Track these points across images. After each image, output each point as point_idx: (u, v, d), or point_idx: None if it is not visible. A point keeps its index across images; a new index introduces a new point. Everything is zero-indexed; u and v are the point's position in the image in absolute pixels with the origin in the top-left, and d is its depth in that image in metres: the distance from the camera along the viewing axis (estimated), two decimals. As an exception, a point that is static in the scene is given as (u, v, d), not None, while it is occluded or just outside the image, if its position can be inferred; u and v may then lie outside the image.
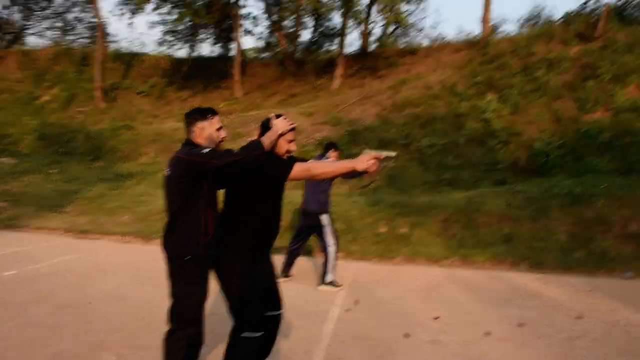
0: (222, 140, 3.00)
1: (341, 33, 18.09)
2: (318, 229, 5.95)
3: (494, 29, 16.54)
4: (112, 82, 20.18)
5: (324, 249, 5.95)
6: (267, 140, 2.78)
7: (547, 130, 11.36)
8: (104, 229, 9.28)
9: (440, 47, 17.75)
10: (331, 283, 5.96)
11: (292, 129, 2.94)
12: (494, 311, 5.45)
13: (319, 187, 5.88)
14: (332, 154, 6.12)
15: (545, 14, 17.37)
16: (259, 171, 2.72)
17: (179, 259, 2.81)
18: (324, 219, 5.90)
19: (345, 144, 12.62)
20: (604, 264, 7.58)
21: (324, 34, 22.47)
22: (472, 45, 16.26)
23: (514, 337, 4.69)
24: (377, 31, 20.85)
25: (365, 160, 2.72)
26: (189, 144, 2.90)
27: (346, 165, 2.75)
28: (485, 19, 15.73)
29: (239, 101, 17.75)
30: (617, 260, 7.64)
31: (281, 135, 2.86)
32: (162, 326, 3.08)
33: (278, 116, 2.91)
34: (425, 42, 19.77)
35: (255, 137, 2.91)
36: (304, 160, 3.06)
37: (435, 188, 10.39)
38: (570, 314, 5.40)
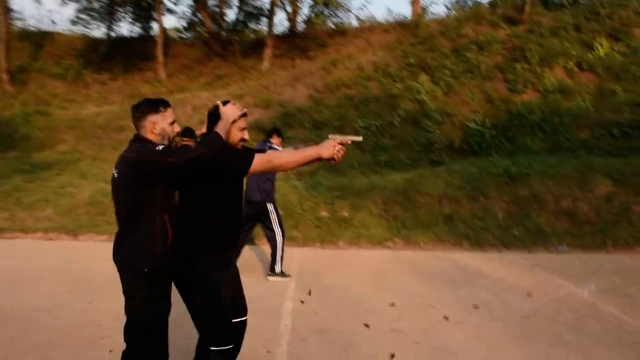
0: (176, 135, 2.61)
1: (269, 12, 17.52)
2: (264, 218, 5.55)
3: (424, 10, 16.63)
4: (19, 64, 18.37)
5: (271, 239, 5.57)
6: (222, 131, 2.43)
7: (480, 110, 11.55)
8: (24, 226, 8.28)
9: (369, 28, 17.66)
10: (281, 273, 5.59)
11: (244, 115, 2.59)
12: (446, 293, 5.34)
13: (263, 176, 5.50)
14: (275, 139, 5.77)
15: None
16: (216, 166, 2.38)
17: (133, 271, 2.42)
18: (270, 207, 5.51)
19: (278, 126, 12.21)
20: (539, 239, 7.88)
21: (250, 14, 21.73)
22: (402, 26, 16.29)
23: (470, 320, 4.57)
24: (305, 11, 20.39)
25: (331, 147, 2.50)
26: (139, 140, 2.50)
27: (311, 153, 2.49)
28: (415, 0, 15.77)
29: (163, 84, 16.77)
30: (551, 236, 7.97)
31: (233, 122, 2.51)
32: (110, 340, 2.57)
33: (225, 103, 2.57)
34: (354, 23, 19.56)
35: (203, 129, 2.63)
36: (258, 150, 2.71)
37: (372, 169, 10.25)
38: (519, 293, 5.41)
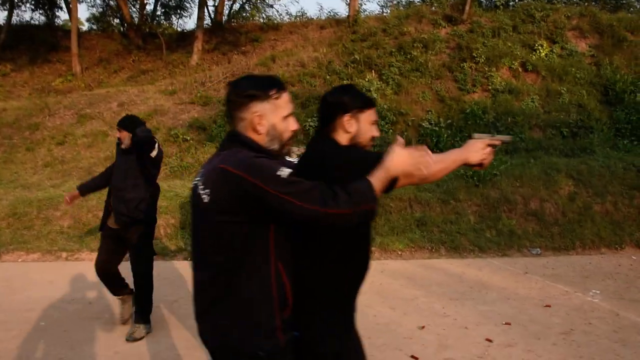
0: (293, 136, 1.78)
1: (200, 3, 16.36)
2: None
3: (359, 7, 16.36)
4: None
5: None
6: (381, 183, 1.67)
7: (432, 109, 11.46)
8: None
9: (303, 23, 17.09)
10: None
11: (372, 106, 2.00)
12: (465, 309, 5.00)
13: None
14: None
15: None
16: None
17: (242, 357, 1.58)
18: None
19: (220, 125, 11.30)
20: (513, 242, 7.85)
21: (168, 6, 20.36)
22: (338, 23, 15.89)
23: (514, 340, 4.21)
24: (231, 4, 19.37)
25: (480, 150, 1.96)
26: (239, 141, 1.67)
27: (456, 158, 1.91)
28: (353, -4, 15.46)
29: (78, 77, 15.05)
30: (523, 238, 7.96)
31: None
32: None
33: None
34: (285, 18, 18.90)
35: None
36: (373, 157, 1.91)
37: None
38: (536, 304, 5.22)
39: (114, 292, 4.42)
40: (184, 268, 6.50)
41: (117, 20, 20.02)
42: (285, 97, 1.72)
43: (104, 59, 16.52)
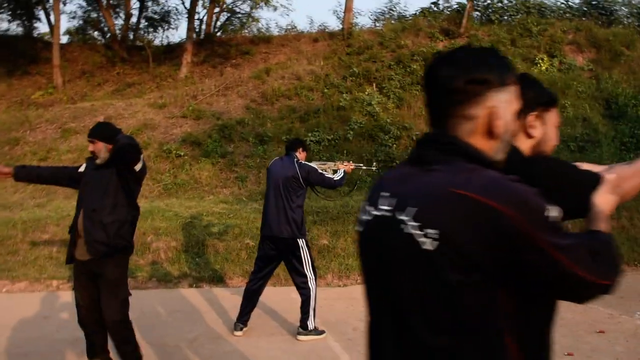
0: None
1: (190, 14, 15.83)
2: (291, 258, 4.30)
3: (353, 20, 16.11)
4: None
5: (301, 286, 4.33)
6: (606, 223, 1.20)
7: None
8: None
9: (295, 36, 16.71)
10: (315, 330, 4.34)
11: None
12: None
13: (291, 201, 4.26)
14: (301, 154, 4.63)
15: (400, 8, 17.38)
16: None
17: None
18: (301, 243, 4.30)
19: (216, 140, 10.84)
20: None
21: (153, 18, 19.76)
22: (331, 36, 15.56)
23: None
24: (215, 16, 18.90)
25: None
26: (462, 152, 1.13)
27: None
28: (347, 8, 15.16)
29: (60, 90, 14.32)
30: None
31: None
32: None
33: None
34: (275, 31, 18.50)
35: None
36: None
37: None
38: (587, 330, 4.86)
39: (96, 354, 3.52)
40: (193, 297, 5.95)
41: (97, 32, 19.30)
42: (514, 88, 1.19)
43: (86, 72, 15.82)
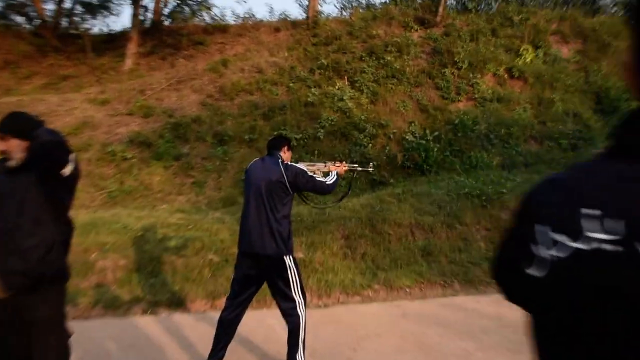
0: None
1: (134, 0, 15.04)
2: (277, 280, 3.84)
3: (317, 8, 15.70)
4: None
5: (289, 313, 3.89)
6: None
7: (415, 120, 10.97)
8: None
9: (254, 25, 16.17)
10: (305, 366, 3.85)
11: None
12: None
13: (276, 210, 3.87)
14: (285, 153, 4.18)
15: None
16: None
17: None
18: (288, 262, 3.87)
19: (169, 140, 10.23)
20: None
21: (89, 4, 18.80)
22: (294, 25, 15.13)
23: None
24: (163, 2, 18.09)
25: None
26: None
27: None
28: (312, -4, 14.76)
29: (-22, 83, 13.34)
30: None
31: None
32: None
33: None
34: (231, 20, 17.87)
35: None
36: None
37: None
38: None
39: None
40: (149, 326, 5.35)
41: (23, 18, 18.11)
42: None
43: (11, 62, 14.80)
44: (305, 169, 4.00)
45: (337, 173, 4.27)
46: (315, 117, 10.95)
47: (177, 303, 6.04)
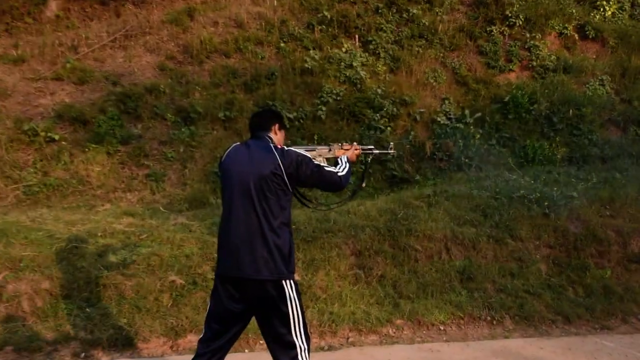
0: None
1: None
2: (272, 315, 3.75)
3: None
4: None
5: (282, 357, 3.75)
6: None
7: (450, 97, 11.06)
8: None
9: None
10: None
11: None
12: None
13: (271, 215, 3.74)
14: (277, 134, 4.13)
15: None
16: None
17: None
18: (288, 289, 3.73)
19: (113, 117, 10.21)
20: (612, 306, 7.59)
21: None
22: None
23: None
24: None
25: None
26: None
27: None
28: None
29: None
30: (627, 299, 7.75)
31: None
32: None
33: None
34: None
35: None
36: None
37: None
38: None
39: None
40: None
41: None
42: None
43: None
44: (309, 155, 3.85)
45: (347, 159, 4.16)
46: (314, 89, 11.00)
47: (124, 343, 6.00)
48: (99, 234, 7.23)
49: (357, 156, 4.43)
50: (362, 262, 7.48)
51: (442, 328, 6.82)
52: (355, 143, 4.46)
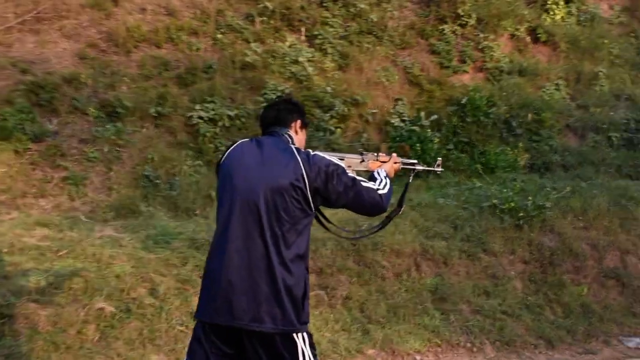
0: None
1: None
2: None
3: None
4: None
5: None
6: None
7: (404, 97, 10.66)
8: None
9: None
10: None
11: None
12: None
13: (284, 242, 2.91)
14: (298, 134, 3.27)
15: None
16: None
17: None
18: (301, 345, 2.92)
19: (24, 110, 9.19)
20: (592, 326, 7.46)
21: None
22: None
23: None
24: None
25: None
26: None
27: None
28: None
29: None
30: (607, 319, 7.63)
31: None
32: None
33: None
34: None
35: None
36: None
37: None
38: None
39: None
40: None
41: None
42: None
43: None
44: (342, 164, 3.09)
45: (386, 175, 3.29)
46: (257, 85, 10.43)
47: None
48: (5, 250, 6.31)
49: (396, 171, 3.62)
50: (324, 281, 6.91)
51: (418, 358, 6.34)
52: (394, 154, 3.67)
